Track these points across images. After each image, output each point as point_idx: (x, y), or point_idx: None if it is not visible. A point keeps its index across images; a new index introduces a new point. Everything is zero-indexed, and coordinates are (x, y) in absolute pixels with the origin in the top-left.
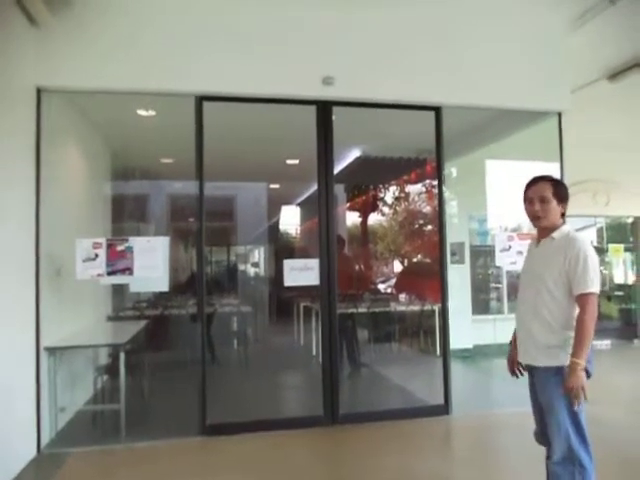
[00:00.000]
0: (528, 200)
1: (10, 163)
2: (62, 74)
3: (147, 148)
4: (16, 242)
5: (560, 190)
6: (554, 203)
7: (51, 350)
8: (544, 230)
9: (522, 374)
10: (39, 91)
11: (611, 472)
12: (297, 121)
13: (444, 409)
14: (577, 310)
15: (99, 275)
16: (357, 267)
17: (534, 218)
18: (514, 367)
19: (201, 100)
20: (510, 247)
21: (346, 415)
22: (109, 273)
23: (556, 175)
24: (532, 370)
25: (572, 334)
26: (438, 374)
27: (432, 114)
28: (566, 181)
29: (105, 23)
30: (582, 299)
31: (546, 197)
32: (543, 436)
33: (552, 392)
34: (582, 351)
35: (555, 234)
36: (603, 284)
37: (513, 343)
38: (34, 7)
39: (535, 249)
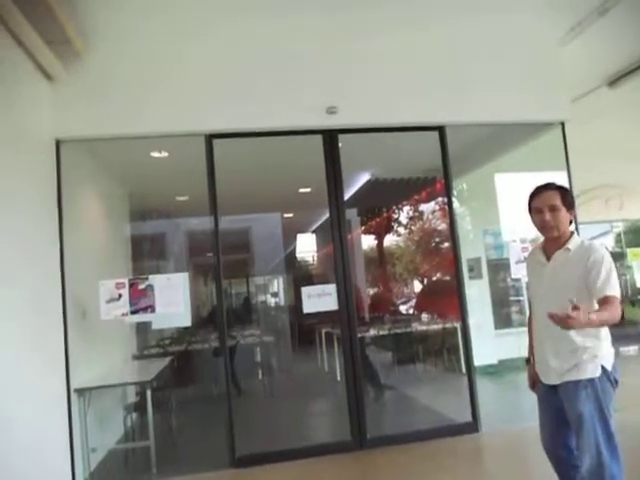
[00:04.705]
0: (535, 210)
1: (35, 213)
2: (78, 124)
3: (162, 188)
4: (44, 287)
5: (567, 197)
6: (564, 211)
7: (80, 391)
8: (554, 241)
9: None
10: (58, 142)
11: None
12: (306, 150)
13: (473, 426)
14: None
15: (123, 314)
16: (372, 291)
17: (545, 228)
18: (536, 383)
19: (210, 138)
20: (525, 258)
21: (374, 439)
22: (132, 312)
23: (564, 184)
24: (556, 386)
25: (600, 344)
26: (464, 392)
27: (436, 134)
28: (576, 189)
29: (115, 72)
30: (607, 299)
31: (556, 205)
32: (555, 449)
33: (583, 405)
34: (600, 319)
35: (570, 245)
36: (625, 290)
37: (532, 359)
38: (47, 62)
39: (548, 262)
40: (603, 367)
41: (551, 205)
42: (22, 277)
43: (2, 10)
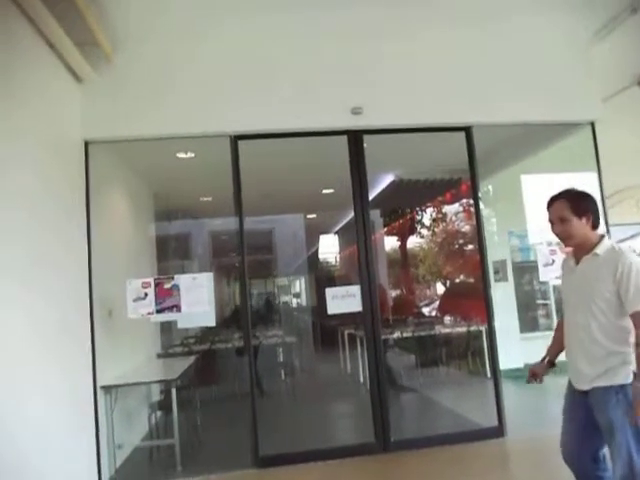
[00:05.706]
0: (550, 222)
1: (65, 213)
2: (106, 126)
3: (187, 188)
4: (73, 286)
5: (578, 204)
6: (574, 220)
7: (107, 389)
8: (581, 247)
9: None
10: (86, 144)
11: None
12: (330, 151)
13: (499, 431)
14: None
15: (149, 313)
16: (395, 293)
17: (561, 239)
18: (536, 377)
19: (236, 139)
20: (553, 261)
21: (398, 442)
22: (158, 311)
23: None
24: (587, 392)
25: (633, 350)
26: (490, 396)
27: (462, 134)
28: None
29: (143, 74)
30: (637, 316)
31: (564, 217)
32: (580, 460)
33: (614, 412)
34: None
35: (598, 250)
36: None
37: (546, 360)
38: (77, 64)
39: (576, 267)
40: (635, 373)
41: (559, 217)
42: (51, 276)
43: (34, 13)
